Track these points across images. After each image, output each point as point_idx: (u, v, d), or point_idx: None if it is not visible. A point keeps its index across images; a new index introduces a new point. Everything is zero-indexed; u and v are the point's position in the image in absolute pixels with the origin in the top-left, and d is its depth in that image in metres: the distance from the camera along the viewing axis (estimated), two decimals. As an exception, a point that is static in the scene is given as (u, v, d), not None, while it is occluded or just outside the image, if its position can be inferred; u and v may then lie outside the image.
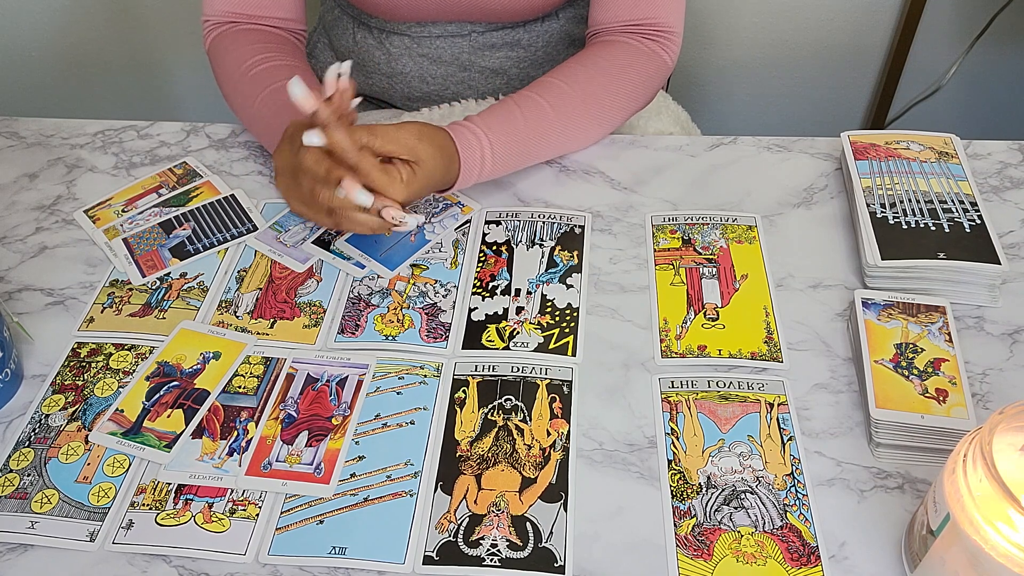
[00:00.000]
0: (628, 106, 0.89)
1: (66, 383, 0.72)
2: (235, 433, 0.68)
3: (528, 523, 0.62)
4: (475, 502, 0.64)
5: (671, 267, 0.79)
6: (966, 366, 0.69)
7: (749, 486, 0.64)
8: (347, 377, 0.71)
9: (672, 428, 0.67)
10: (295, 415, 0.69)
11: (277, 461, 0.66)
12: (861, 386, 0.69)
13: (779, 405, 0.68)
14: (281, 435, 0.68)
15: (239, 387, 0.71)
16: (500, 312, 0.76)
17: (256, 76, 0.88)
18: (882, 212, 0.78)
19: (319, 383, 0.71)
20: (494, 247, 0.82)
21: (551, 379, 0.71)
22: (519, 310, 0.77)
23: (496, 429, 0.68)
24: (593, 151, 0.91)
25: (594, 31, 0.93)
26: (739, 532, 0.61)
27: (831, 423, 0.68)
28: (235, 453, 0.66)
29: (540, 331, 0.75)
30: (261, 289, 0.79)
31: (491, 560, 0.60)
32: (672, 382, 0.70)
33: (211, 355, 0.73)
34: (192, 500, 0.64)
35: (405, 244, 0.82)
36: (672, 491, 0.64)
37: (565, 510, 0.63)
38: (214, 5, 0.94)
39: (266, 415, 0.69)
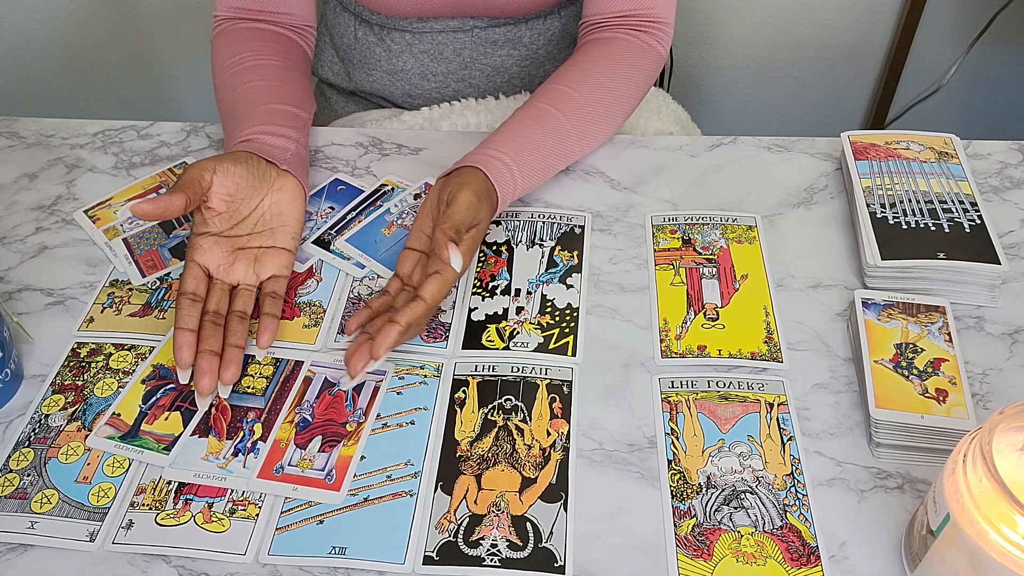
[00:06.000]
0: (632, 102, 0.90)
1: (66, 383, 0.72)
2: (241, 433, 0.68)
3: (528, 523, 0.62)
4: (475, 502, 0.64)
5: (671, 267, 0.79)
6: (966, 366, 0.69)
7: (749, 486, 0.64)
8: (364, 383, 0.71)
9: (672, 428, 0.67)
10: (310, 419, 0.69)
11: (289, 465, 0.66)
12: (861, 386, 0.69)
13: (779, 405, 0.68)
14: (295, 439, 0.67)
15: (247, 387, 0.71)
16: (500, 312, 0.76)
17: (234, 75, 0.88)
18: (882, 212, 0.78)
19: (336, 388, 0.71)
20: (494, 247, 0.82)
21: (551, 379, 0.71)
22: (519, 310, 0.77)
23: (496, 429, 0.68)
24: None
25: (588, 22, 0.92)
26: (739, 532, 0.61)
27: (831, 423, 0.68)
28: (240, 454, 0.66)
29: (540, 331, 0.75)
30: (261, 289, 0.79)
31: (491, 560, 0.60)
32: (672, 382, 0.70)
33: (209, 356, 0.73)
34: (192, 500, 0.64)
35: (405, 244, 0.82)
36: (672, 491, 0.64)
37: (565, 510, 0.63)
38: (222, 1, 0.94)
39: (281, 417, 0.69)
